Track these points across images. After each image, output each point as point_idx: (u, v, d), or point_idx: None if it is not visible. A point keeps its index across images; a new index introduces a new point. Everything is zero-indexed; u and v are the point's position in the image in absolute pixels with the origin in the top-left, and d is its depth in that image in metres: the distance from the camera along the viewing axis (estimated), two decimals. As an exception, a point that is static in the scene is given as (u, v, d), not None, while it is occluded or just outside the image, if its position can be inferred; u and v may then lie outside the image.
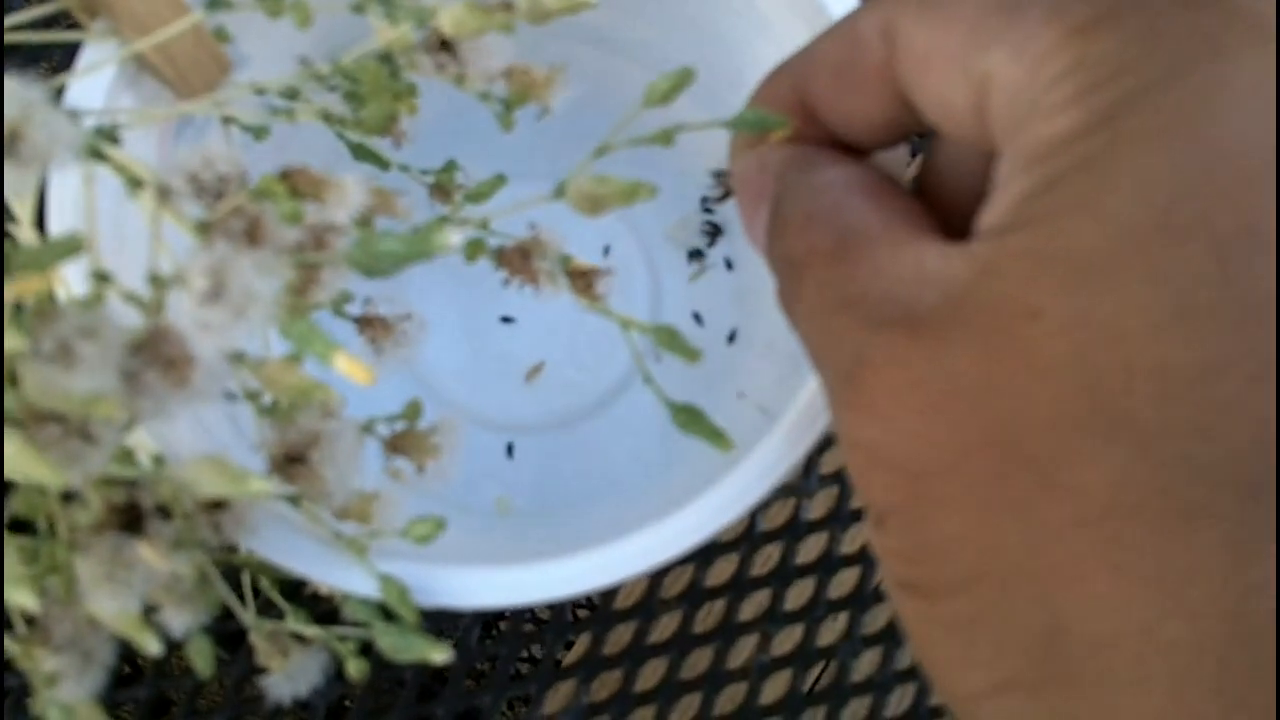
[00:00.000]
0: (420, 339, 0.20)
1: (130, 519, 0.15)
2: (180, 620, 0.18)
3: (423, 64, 0.18)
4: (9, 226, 0.18)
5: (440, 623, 0.35)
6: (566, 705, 0.34)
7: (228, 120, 0.21)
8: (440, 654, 0.18)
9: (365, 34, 0.19)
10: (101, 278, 0.15)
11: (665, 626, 0.35)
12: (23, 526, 0.17)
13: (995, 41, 0.13)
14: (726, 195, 0.35)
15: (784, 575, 0.35)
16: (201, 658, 0.19)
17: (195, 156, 0.14)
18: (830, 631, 0.35)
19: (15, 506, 0.17)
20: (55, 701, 0.17)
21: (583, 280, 0.19)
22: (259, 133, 0.21)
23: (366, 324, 0.20)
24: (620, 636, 0.35)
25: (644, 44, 0.31)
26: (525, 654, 0.58)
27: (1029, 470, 0.12)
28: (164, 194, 0.15)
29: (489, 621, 0.53)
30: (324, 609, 0.23)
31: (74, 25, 0.20)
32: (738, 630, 0.35)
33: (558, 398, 0.35)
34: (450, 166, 0.24)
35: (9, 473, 0.15)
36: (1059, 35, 0.12)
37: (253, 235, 0.14)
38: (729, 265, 0.36)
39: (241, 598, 0.19)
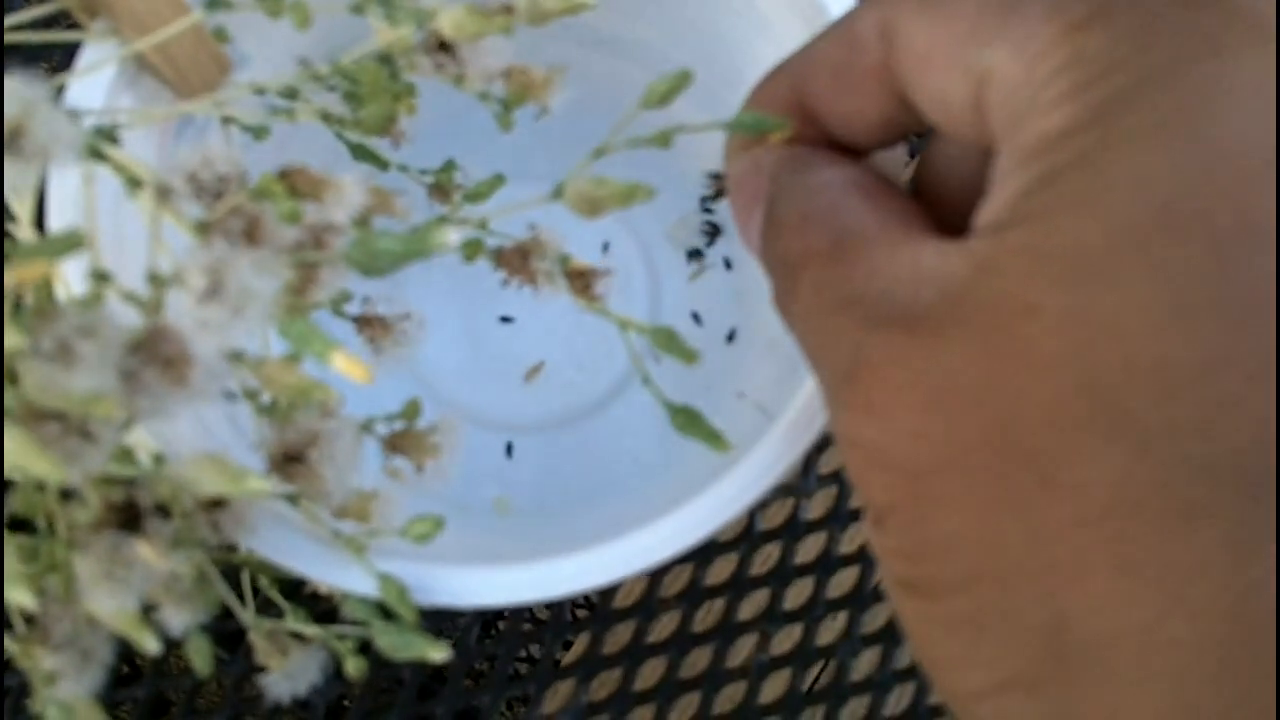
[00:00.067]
0: (419, 338, 0.20)
1: (129, 517, 0.15)
2: (179, 619, 0.18)
3: (422, 64, 0.18)
4: (8, 226, 0.18)
5: (439, 622, 0.35)
6: (566, 704, 0.34)
7: (227, 120, 0.21)
8: (439, 652, 0.18)
9: (365, 35, 0.19)
10: (101, 277, 0.15)
11: (664, 626, 0.35)
12: (21, 525, 0.17)
13: (994, 39, 0.13)
14: (720, 195, 0.35)
15: (783, 575, 0.35)
16: (200, 656, 0.19)
17: (195, 156, 0.14)
18: (829, 631, 0.35)
19: (14, 505, 0.17)
20: (54, 700, 0.17)
21: (581, 280, 0.20)
22: (258, 133, 0.21)
23: (365, 323, 0.20)
24: (619, 636, 0.35)
25: (643, 45, 0.31)
26: (524, 654, 0.58)
27: (1028, 469, 0.12)
28: (163, 193, 0.15)
29: (488, 621, 0.53)
30: (323, 608, 0.23)
31: (74, 25, 0.20)
32: (737, 630, 0.35)
33: (557, 398, 0.35)
34: (449, 167, 0.24)
35: (8, 471, 0.15)
36: (1057, 32, 0.12)
37: (252, 235, 0.14)
38: (728, 265, 0.36)
39: (240, 597, 0.19)
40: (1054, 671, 0.12)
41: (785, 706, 0.35)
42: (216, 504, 0.17)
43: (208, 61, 0.21)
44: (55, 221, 0.20)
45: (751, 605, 0.35)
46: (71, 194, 0.20)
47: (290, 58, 0.23)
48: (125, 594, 0.15)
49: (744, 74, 0.18)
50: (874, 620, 0.36)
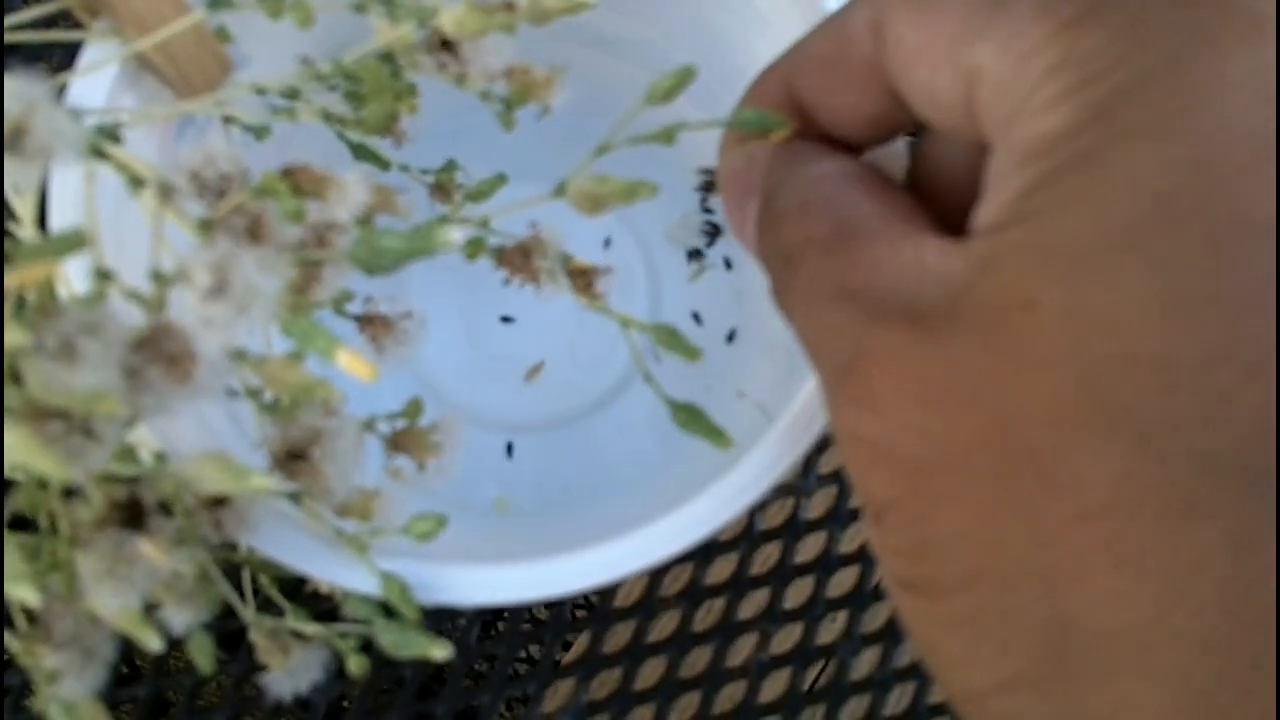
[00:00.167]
0: (420, 337, 0.20)
1: (132, 515, 0.15)
2: (181, 618, 0.18)
3: (424, 63, 0.18)
4: (10, 225, 0.18)
5: (439, 622, 0.35)
6: (566, 704, 0.34)
7: (229, 120, 0.21)
8: (440, 650, 0.18)
9: (366, 34, 0.19)
10: (103, 275, 0.15)
11: (664, 625, 0.35)
12: (23, 524, 0.17)
13: (983, 37, 0.13)
14: (712, 189, 0.35)
15: (783, 574, 0.35)
16: (202, 654, 0.19)
17: (197, 155, 0.15)
18: (829, 630, 0.35)
19: (17, 503, 0.17)
20: (56, 698, 0.17)
21: (583, 279, 0.20)
22: (260, 132, 0.21)
23: (367, 322, 0.20)
24: (620, 635, 0.35)
25: (643, 44, 0.31)
26: (524, 654, 0.58)
27: (1029, 466, 0.12)
28: (166, 192, 0.15)
29: (488, 621, 0.53)
30: (323, 607, 0.23)
31: (75, 25, 0.20)
32: (737, 629, 0.35)
33: (557, 397, 0.35)
34: (450, 166, 0.24)
35: (10, 470, 0.15)
36: (1047, 31, 0.12)
37: (255, 233, 0.14)
38: (728, 265, 0.36)
39: (241, 596, 0.19)
40: (1056, 670, 0.12)
41: (785, 706, 0.35)
42: (218, 502, 0.17)
43: (209, 61, 0.21)
44: (57, 220, 0.20)
45: (752, 605, 0.35)
46: (73, 193, 0.20)
47: (291, 57, 0.23)
48: (128, 592, 0.15)
49: (743, 73, 0.18)
50: (874, 619, 0.36)
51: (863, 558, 0.36)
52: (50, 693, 0.17)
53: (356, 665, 0.20)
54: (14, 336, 0.13)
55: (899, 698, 0.35)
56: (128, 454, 0.17)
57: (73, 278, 0.19)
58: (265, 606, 0.20)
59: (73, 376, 0.13)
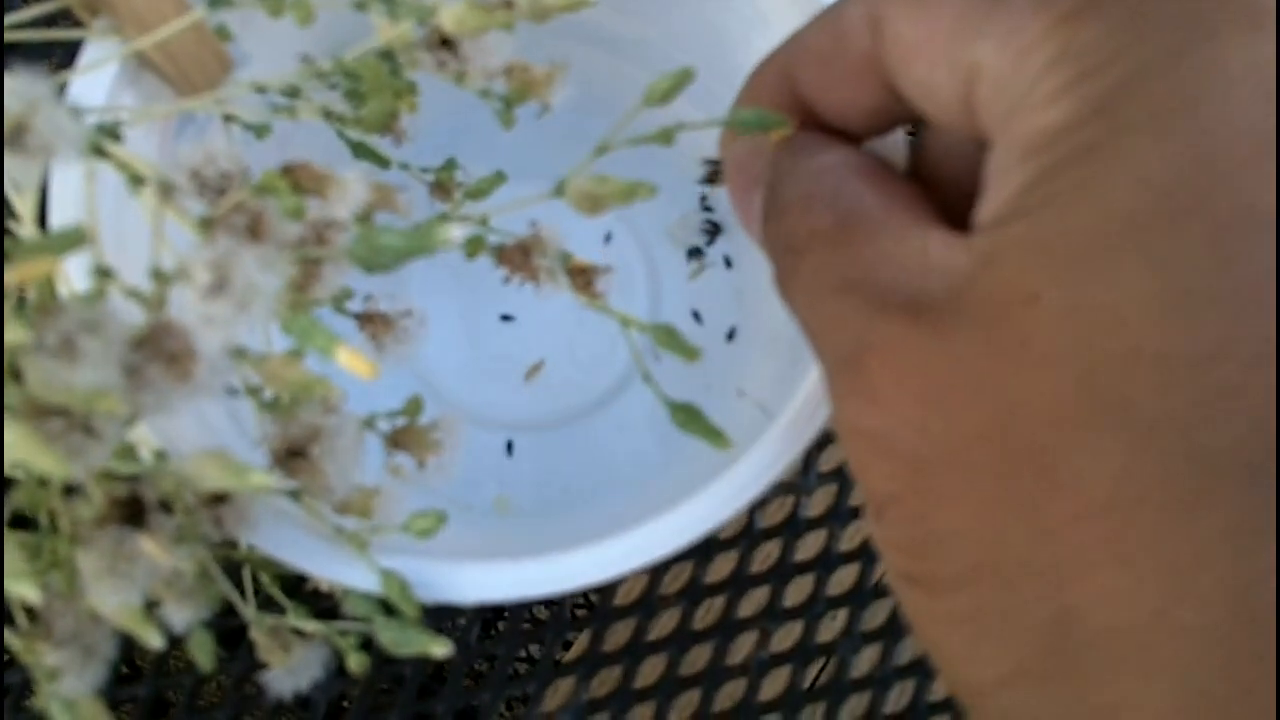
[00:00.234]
0: (420, 336, 0.20)
1: (132, 513, 0.15)
2: (181, 615, 0.18)
3: (423, 61, 0.18)
4: (10, 224, 0.18)
5: (439, 622, 0.36)
6: (566, 702, 0.34)
7: (229, 118, 0.21)
8: (440, 648, 0.18)
9: (366, 32, 0.19)
10: (103, 273, 0.15)
11: (665, 623, 0.35)
12: (23, 523, 0.17)
13: (981, 32, 0.13)
14: (714, 180, 0.35)
15: (783, 572, 0.35)
16: (203, 652, 0.19)
17: (198, 153, 0.15)
18: (829, 628, 0.35)
19: (17, 501, 0.17)
20: (57, 696, 0.17)
21: (582, 278, 0.20)
22: (260, 131, 0.21)
23: (367, 320, 0.20)
24: (620, 633, 0.35)
25: (642, 43, 0.31)
26: (524, 654, 0.58)
27: (1029, 463, 0.12)
28: (166, 190, 0.15)
29: (488, 620, 0.53)
30: (323, 606, 0.23)
31: (75, 23, 0.20)
32: (737, 627, 0.35)
33: (557, 396, 0.35)
34: (450, 164, 0.25)
35: (10, 468, 0.15)
36: (1045, 24, 0.12)
37: (255, 230, 0.14)
38: (728, 263, 0.36)
39: (241, 594, 0.19)
40: (1058, 666, 0.12)
41: (786, 704, 0.35)
42: (219, 499, 0.17)
43: (209, 59, 0.21)
44: (57, 219, 0.20)
45: (752, 603, 0.35)
46: (73, 192, 0.20)
47: (291, 56, 0.23)
48: (128, 589, 0.15)
49: (743, 71, 0.18)
50: (874, 617, 0.36)
51: (863, 556, 0.36)
52: (51, 690, 0.17)
53: (357, 663, 0.20)
54: (14, 334, 0.13)
55: (899, 695, 0.35)
56: (128, 452, 0.17)
57: (73, 276, 0.19)
58: (265, 605, 0.20)
59: (73, 374, 0.13)
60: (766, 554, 0.36)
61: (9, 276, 0.13)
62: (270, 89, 0.19)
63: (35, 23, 0.18)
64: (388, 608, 0.20)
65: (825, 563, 0.36)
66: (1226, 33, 0.12)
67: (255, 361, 0.16)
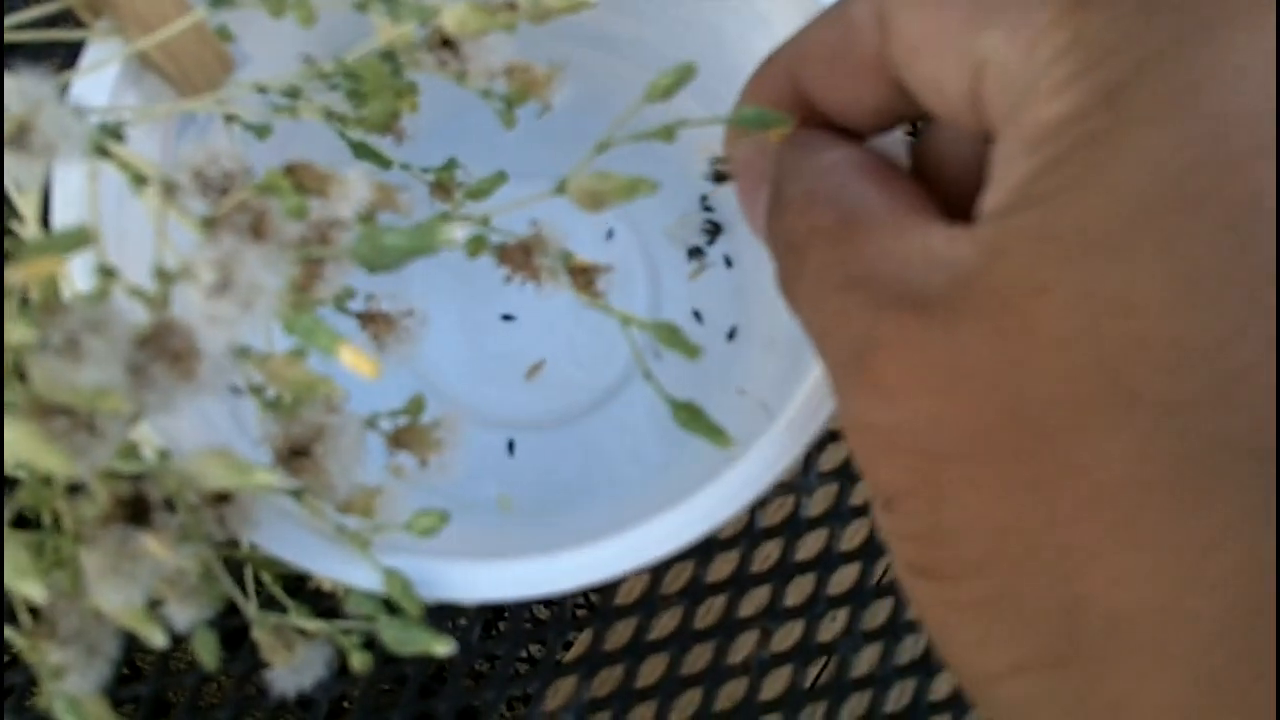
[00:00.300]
0: (422, 335, 0.20)
1: (136, 512, 0.15)
2: (184, 614, 0.18)
3: (425, 62, 0.18)
4: (13, 225, 0.18)
5: (441, 621, 0.36)
6: (567, 702, 0.34)
7: (230, 118, 0.21)
8: (443, 646, 0.19)
9: (367, 32, 0.19)
10: (107, 272, 0.15)
11: (666, 623, 0.35)
12: (24, 524, 0.17)
13: (989, 25, 0.13)
14: (721, 179, 0.35)
15: (784, 571, 0.35)
16: (207, 651, 0.19)
17: (200, 153, 0.15)
18: (830, 627, 0.35)
19: (21, 500, 0.17)
20: (61, 694, 0.17)
21: (584, 277, 0.20)
22: (261, 131, 0.21)
23: (369, 320, 0.20)
24: (621, 633, 0.35)
25: (642, 43, 0.32)
26: (525, 653, 0.58)
27: (1043, 448, 0.12)
28: (169, 190, 0.15)
29: (489, 620, 0.53)
30: (325, 605, 0.23)
31: (77, 24, 0.20)
32: (738, 626, 0.35)
33: (558, 395, 0.35)
34: (451, 164, 0.25)
35: (14, 467, 0.15)
36: (1054, 15, 0.12)
37: (258, 230, 0.14)
38: (728, 263, 0.36)
39: (244, 593, 0.19)
40: (1072, 652, 0.12)
41: (787, 703, 0.35)
42: (222, 498, 0.17)
43: (211, 60, 0.21)
44: (59, 219, 0.21)
45: (753, 602, 0.35)
46: (75, 192, 0.21)
47: (292, 56, 0.23)
48: (132, 588, 0.15)
49: (744, 71, 0.18)
50: (875, 617, 0.36)
51: (864, 555, 0.36)
52: (55, 689, 0.17)
53: (360, 662, 0.20)
54: (19, 333, 0.13)
55: (900, 695, 0.35)
56: (131, 451, 0.18)
57: (75, 275, 0.19)
58: (267, 604, 0.20)
59: (77, 373, 0.13)
60: (767, 553, 0.36)
61: (14, 276, 0.13)
62: (271, 89, 0.19)
63: (37, 23, 0.18)
64: (390, 607, 0.20)
65: (826, 562, 0.36)
66: (1235, 21, 0.12)
67: (258, 360, 0.16)
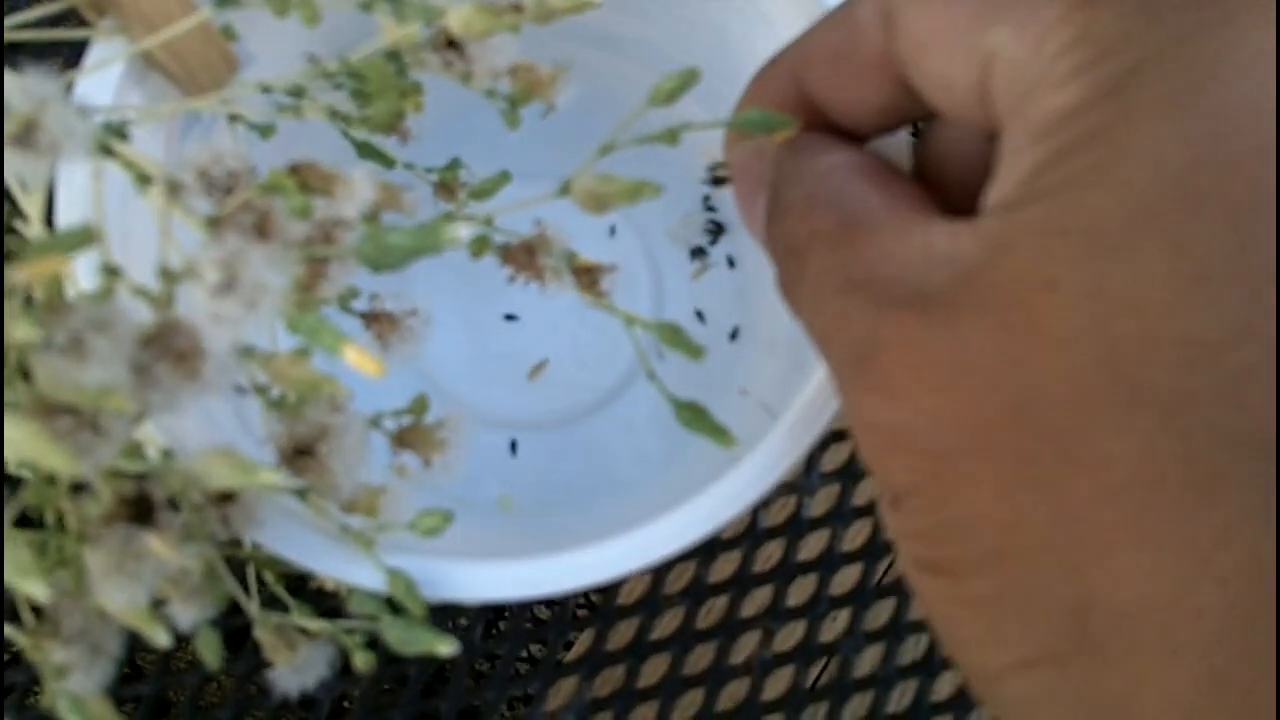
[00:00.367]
0: (425, 335, 0.20)
1: (140, 511, 0.15)
2: (188, 614, 0.18)
3: (429, 62, 0.18)
4: (17, 224, 0.18)
5: (442, 621, 0.36)
6: (569, 701, 0.34)
7: (234, 118, 0.21)
8: (446, 646, 0.19)
9: (372, 32, 0.19)
10: (111, 272, 0.15)
11: (668, 623, 0.35)
12: (28, 523, 0.17)
13: (997, 20, 0.13)
14: (719, 183, 0.35)
15: (786, 572, 0.35)
16: (209, 650, 0.19)
17: (205, 152, 0.15)
18: (832, 628, 0.35)
19: (24, 499, 0.17)
20: (64, 693, 0.17)
21: (587, 277, 0.20)
22: (265, 131, 0.21)
23: (373, 319, 0.20)
24: (623, 633, 0.35)
25: (646, 44, 0.32)
26: (526, 654, 0.58)
27: (1050, 444, 0.12)
28: (174, 189, 0.15)
29: (490, 620, 0.53)
30: (327, 605, 0.23)
31: (82, 23, 0.20)
32: (740, 627, 0.35)
33: (560, 395, 0.35)
34: (455, 164, 0.25)
35: (18, 466, 0.15)
36: (1062, 10, 0.12)
37: (262, 230, 0.14)
38: (731, 263, 0.36)
39: (246, 592, 0.19)
40: (1080, 647, 0.12)
41: (788, 703, 0.35)
42: (226, 498, 0.17)
43: (215, 59, 0.21)
44: (63, 218, 0.21)
45: (754, 602, 0.35)
46: (79, 191, 0.21)
47: (297, 55, 0.23)
48: (136, 587, 0.15)
49: (747, 72, 0.18)
50: (877, 617, 0.36)
51: (866, 555, 0.36)
52: (58, 688, 0.17)
53: (363, 661, 0.20)
54: (23, 332, 0.13)
55: (901, 695, 0.35)
56: (135, 450, 0.18)
57: (80, 275, 0.19)
58: (269, 603, 0.20)
59: (82, 372, 0.13)
60: (769, 554, 0.36)
61: (18, 275, 0.13)
62: (276, 89, 0.19)
63: (41, 22, 0.18)
64: (393, 606, 0.20)
65: (828, 562, 0.36)
66: (1241, 17, 0.12)
67: (263, 360, 0.16)
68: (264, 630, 0.19)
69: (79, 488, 0.16)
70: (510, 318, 0.36)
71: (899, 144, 0.18)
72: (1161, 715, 0.12)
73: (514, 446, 0.35)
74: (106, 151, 0.16)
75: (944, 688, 0.35)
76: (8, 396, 0.13)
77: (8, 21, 0.18)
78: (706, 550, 0.35)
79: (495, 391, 0.35)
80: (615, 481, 0.34)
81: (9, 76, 0.13)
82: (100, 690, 0.17)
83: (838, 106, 0.16)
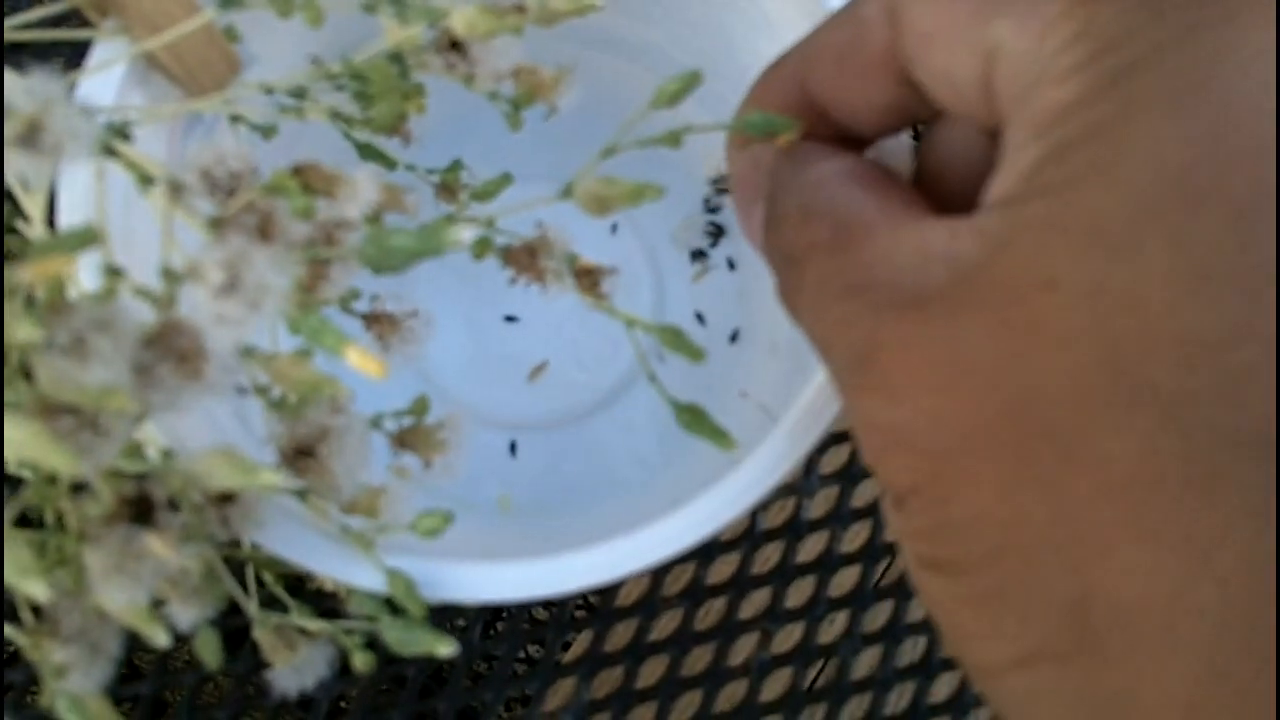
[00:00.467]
0: (426, 336, 0.20)
1: (140, 511, 0.15)
2: (187, 614, 0.18)
3: (432, 64, 0.18)
4: (19, 224, 0.18)
5: (440, 622, 0.36)
6: (567, 702, 0.34)
7: (236, 119, 0.21)
8: (446, 647, 0.19)
9: (374, 34, 0.19)
10: (113, 272, 0.15)
11: (666, 624, 0.35)
12: (28, 523, 0.17)
13: (1001, 13, 0.13)
14: (724, 192, 0.35)
15: (784, 574, 0.35)
16: (209, 650, 0.19)
17: (208, 153, 0.15)
18: (830, 630, 0.36)
19: (25, 499, 0.17)
20: (63, 693, 0.17)
21: (589, 279, 0.20)
22: (267, 131, 0.21)
23: (374, 320, 0.20)
24: (621, 634, 0.35)
25: (648, 46, 0.32)
26: (524, 655, 0.58)
27: (1051, 442, 0.12)
28: (176, 190, 0.15)
29: (488, 621, 0.53)
30: (326, 606, 0.23)
31: (84, 24, 0.20)
32: (738, 628, 0.35)
33: (560, 397, 0.35)
34: (456, 166, 0.25)
35: (19, 466, 0.15)
36: (1063, 6, 0.13)
37: (265, 231, 0.14)
38: (731, 266, 0.36)
39: (246, 593, 0.19)
40: (1080, 643, 0.12)
41: (786, 705, 0.35)
42: (226, 498, 0.17)
43: (218, 60, 0.21)
44: (66, 219, 0.21)
45: (753, 604, 0.35)
46: (81, 192, 0.21)
47: (299, 57, 0.24)
48: (136, 587, 0.15)
49: (749, 75, 0.18)
50: (875, 619, 0.36)
51: (864, 558, 0.36)
52: (57, 687, 0.17)
53: (362, 661, 0.20)
54: (25, 332, 0.13)
55: (899, 697, 0.35)
56: (135, 450, 0.18)
57: (82, 275, 0.19)
58: (268, 604, 0.20)
59: (84, 373, 0.13)
60: (768, 556, 0.36)
61: (20, 276, 0.13)
62: (278, 90, 0.19)
63: (43, 23, 0.18)
64: (392, 607, 0.20)
65: (826, 564, 0.36)
66: (1242, 14, 0.12)
67: (264, 360, 0.16)
68: (263, 630, 0.19)
69: (79, 487, 0.16)
70: (511, 319, 0.36)
71: (900, 147, 0.18)
72: (1162, 712, 0.12)
73: (514, 448, 0.35)
74: (109, 152, 0.16)
75: (942, 689, 0.35)
76: (9, 396, 0.13)
77: (10, 21, 0.18)
78: (705, 552, 0.35)
79: (495, 393, 0.35)
80: (615, 483, 0.34)
81: (12, 77, 0.13)
82: (99, 690, 0.17)
83: (842, 107, 0.16)
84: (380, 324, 0.20)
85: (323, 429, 0.16)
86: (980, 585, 0.13)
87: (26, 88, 0.13)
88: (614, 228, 0.36)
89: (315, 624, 0.19)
